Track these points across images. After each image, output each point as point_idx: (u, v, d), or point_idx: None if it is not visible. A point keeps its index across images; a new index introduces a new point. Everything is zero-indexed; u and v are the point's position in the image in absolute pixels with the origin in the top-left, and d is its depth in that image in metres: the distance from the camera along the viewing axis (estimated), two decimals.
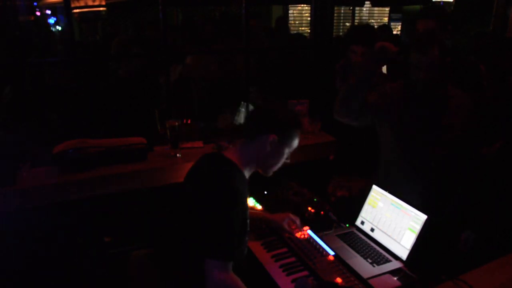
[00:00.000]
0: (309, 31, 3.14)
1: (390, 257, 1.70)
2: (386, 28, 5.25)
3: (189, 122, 2.59)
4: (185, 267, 1.48)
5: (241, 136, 1.61)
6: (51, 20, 6.43)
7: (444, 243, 1.92)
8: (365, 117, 2.01)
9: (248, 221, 1.56)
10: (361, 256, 1.71)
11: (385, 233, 1.78)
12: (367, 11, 9.31)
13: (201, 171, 1.57)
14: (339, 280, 1.54)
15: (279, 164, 1.62)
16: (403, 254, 1.67)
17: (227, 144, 2.40)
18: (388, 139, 2.03)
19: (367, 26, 3.09)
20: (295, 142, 1.61)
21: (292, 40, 4.55)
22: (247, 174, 1.58)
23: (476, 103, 1.94)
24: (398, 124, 1.95)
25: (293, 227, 1.86)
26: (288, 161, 1.63)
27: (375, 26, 5.23)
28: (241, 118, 2.93)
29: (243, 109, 2.89)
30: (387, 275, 1.59)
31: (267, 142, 1.53)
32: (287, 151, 1.60)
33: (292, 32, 8.06)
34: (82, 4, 3.70)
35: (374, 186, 1.92)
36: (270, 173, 1.65)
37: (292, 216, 1.89)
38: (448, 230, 1.93)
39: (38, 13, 6.26)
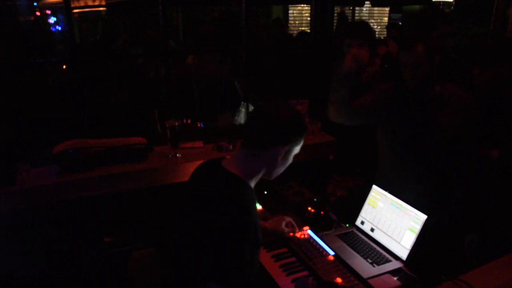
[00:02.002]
0: (309, 31, 3.14)
1: (390, 257, 1.70)
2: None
3: (189, 122, 2.59)
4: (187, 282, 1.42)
5: (245, 144, 1.45)
6: (51, 20, 6.43)
7: (444, 243, 1.92)
8: (358, 118, 2.02)
9: (260, 235, 1.45)
10: (361, 256, 1.71)
11: (385, 233, 1.78)
12: (367, 11, 9.31)
13: (207, 191, 1.43)
14: (339, 280, 1.54)
15: (284, 169, 1.52)
16: (403, 254, 1.67)
17: (227, 144, 2.40)
18: (384, 138, 2.04)
19: (360, 21, 3.09)
20: (301, 146, 1.51)
21: (290, 39, 4.55)
22: (253, 184, 1.46)
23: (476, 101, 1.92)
24: (392, 125, 1.96)
25: (295, 230, 1.84)
26: (291, 161, 1.53)
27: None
28: (241, 118, 2.92)
29: (243, 109, 2.89)
30: (387, 275, 1.59)
31: (279, 154, 1.42)
32: (292, 156, 1.50)
33: (291, 32, 8.08)
34: (82, 4, 3.70)
35: (374, 186, 1.92)
36: (274, 177, 1.53)
37: (287, 218, 1.87)
38: (448, 230, 1.93)
39: (38, 13, 6.27)
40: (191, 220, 1.43)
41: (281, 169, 1.49)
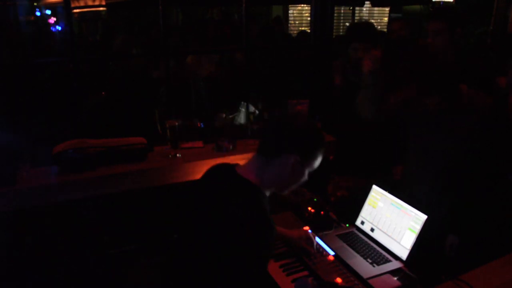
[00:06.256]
0: (309, 31, 3.14)
1: (390, 257, 1.70)
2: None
3: (189, 122, 2.59)
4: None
5: (259, 150, 1.42)
6: (51, 20, 6.43)
7: (444, 243, 1.92)
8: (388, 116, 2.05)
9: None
10: (361, 256, 1.71)
11: (385, 233, 1.78)
12: (367, 11, 9.31)
13: (223, 197, 1.37)
14: (339, 280, 1.54)
15: (298, 185, 1.46)
16: (403, 254, 1.67)
17: (227, 144, 2.39)
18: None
19: (367, 24, 3.08)
20: (318, 162, 1.44)
21: (290, 39, 4.54)
22: (268, 194, 1.42)
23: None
24: (420, 129, 1.96)
25: (311, 250, 1.75)
26: (307, 179, 1.46)
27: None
28: (241, 118, 2.92)
29: (243, 110, 2.89)
30: (387, 275, 1.59)
31: (289, 163, 1.35)
32: (307, 172, 1.43)
33: (291, 32, 8.08)
34: (82, 4, 3.69)
35: (374, 186, 1.92)
36: (286, 193, 1.49)
37: (309, 234, 1.78)
38: (448, 230, 1.93)
39: (38, 13, 6.27)
40: (201, 224, 1.38)
41: (294, 183, 1.43)
